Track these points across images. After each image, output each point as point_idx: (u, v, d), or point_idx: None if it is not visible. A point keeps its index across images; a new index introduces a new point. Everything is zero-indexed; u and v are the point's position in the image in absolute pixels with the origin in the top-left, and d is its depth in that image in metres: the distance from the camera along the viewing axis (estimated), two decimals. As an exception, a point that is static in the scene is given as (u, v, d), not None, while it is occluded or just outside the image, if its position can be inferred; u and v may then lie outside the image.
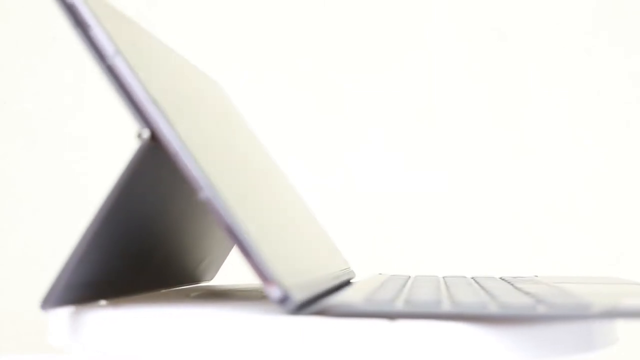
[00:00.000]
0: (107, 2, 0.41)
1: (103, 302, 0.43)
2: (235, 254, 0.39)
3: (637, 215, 0.77)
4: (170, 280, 0.51)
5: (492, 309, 0.35)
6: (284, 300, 0.35)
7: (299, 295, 0.36)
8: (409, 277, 0.58)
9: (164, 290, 0.51)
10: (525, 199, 0.79)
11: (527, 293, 0.43)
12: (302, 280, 0.38)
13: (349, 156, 0.70)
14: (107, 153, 0.64)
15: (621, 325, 0.43)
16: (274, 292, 0.35)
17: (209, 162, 0.37)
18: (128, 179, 0.37)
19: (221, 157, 0.41)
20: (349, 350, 0.34)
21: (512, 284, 0.50)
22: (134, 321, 0.36)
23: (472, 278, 0.57)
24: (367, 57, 0.80)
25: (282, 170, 0.61)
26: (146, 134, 0.36)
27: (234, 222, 0.35)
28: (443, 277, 0.58)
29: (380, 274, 0.63)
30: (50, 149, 0.66)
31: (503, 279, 0.56)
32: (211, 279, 0.60)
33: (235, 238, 0.35)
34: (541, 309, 0.35)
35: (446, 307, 0.35)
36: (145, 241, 0.44)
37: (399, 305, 0.35)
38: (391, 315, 0.35)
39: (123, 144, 0.52)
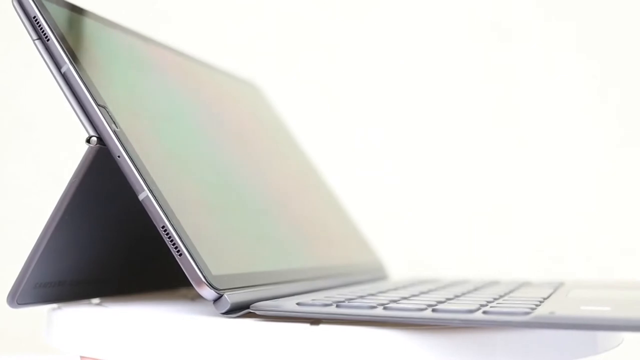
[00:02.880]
0: (81, 9, 0.42)
1: (96, 300, 0.45)
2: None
3: (637, 216, 0.74)
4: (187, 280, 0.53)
5: (426, 314, 0.34)
6: (216, 301, 0.36)
7: (234, 297, 0.36)
8: (436, 280, 0.57)
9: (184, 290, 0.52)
10: (523, 199, 0.76)
11: (507, 298, 0.41)
12: (246, 282, 0.38)
13: (347, 156, 0.70)
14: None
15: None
16: (207, 294, 0.36)
17: (156, 166, 0.38)
18: (80, 182, 0.38)
19: (178, 161, 0.41)
20: (265, 352, 0.33)
21: (514, 290, 0.48)
22: (108, 319, 0.38)
23: (494, 282, 0.55)
24: (365, 57, 0.79)
25: (309, 173, 0.61)
26: (94, 139, 0.38)
27: (167, 224, 0.36)
28: (470, 281, 0.56)
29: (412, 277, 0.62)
30: (51, 148, 0.69)
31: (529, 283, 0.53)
32: None
33: (169, 239, 0.36)
34: (477, 316, 0.33)
35: (378, 311, 0.34)
36: (130, 241, 0.45)
37: (331, 309, 0.35)
38: (316, 319, 0.35)
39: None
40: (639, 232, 0.73)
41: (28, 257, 0.39)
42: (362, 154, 0.74)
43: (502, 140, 0.75)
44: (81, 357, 0.38)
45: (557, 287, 0.51)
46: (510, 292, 0.46)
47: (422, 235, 0.73)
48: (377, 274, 0.60)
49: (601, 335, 0.40)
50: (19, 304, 0.40)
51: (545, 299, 0.41)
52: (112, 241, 0.43)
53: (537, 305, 0.36)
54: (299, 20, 0.78)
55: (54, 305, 0.42)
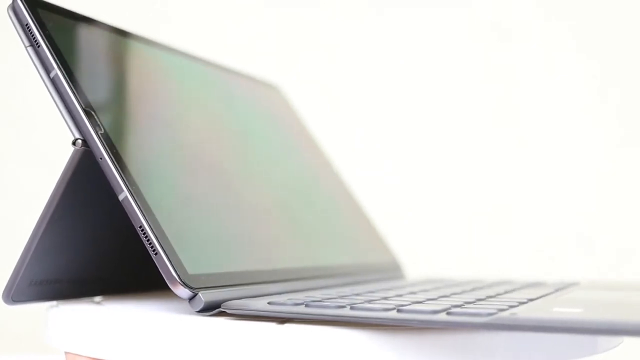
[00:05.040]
0: (76, 14, 0.43)
1: (98, 298, 0.46)
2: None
3: (637, 216, 0.72)
4: None
5: (389, 314, 0.34)
6: (191, 300, 0.37)
7: (210, 296, 0.37)
8: (444, 280, 0.57)
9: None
10: (523, 199, 0.75)
11: (496, 299, 0.41)
12: (226, 281, 0.39)
13: (347, 156, 0.70)
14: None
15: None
16: (181, 293, 0.36)
17: (139, 168, 0.39)
18: (67, 183, 0.39)
19: (165, 162, 0.42)
20: (231, 351, 0.34)
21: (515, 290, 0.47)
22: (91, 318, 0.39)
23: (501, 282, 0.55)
24: (365, 57, 0.79)
25: (325, 174, 0.61)
26: (79, 141, 0.39)
27: (144, 224, 0.37)
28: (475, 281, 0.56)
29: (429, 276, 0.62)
30: (49, 148, 0.71)
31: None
32: None
33: (145, 239, 0.37)
34: (439, 317, 0.33)
35: (344, 311, 0.35)
36: (128, 239, 0.46)
37: (299, 308, 0.35)
38: (283, 318, 0.35)
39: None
40: (639, 232, 0.72)
41: (21, 256, 0.40)
42: (362, 154, 0.75)
43: (502, 140, 0.74)
44: (65, 352, 0.39)
45: (561, 287, 0.50)
46: (506, 292, 0.46)
47: (422, 235, 0.73)
48: (390, 274, 0.59)
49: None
50: (14, 300, 0.41)
51: (531, 300, 0.41)
52: (107, 240, 0.44)
53: (511, 307, 0.36)
54: (298, 20, 0.78)
55: (53, 303, 0.43)
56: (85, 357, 0.37)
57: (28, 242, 0.40)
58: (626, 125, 0.72)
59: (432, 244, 0.75)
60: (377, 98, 0.79)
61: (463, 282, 0.54)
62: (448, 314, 0.33)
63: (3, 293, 0.41)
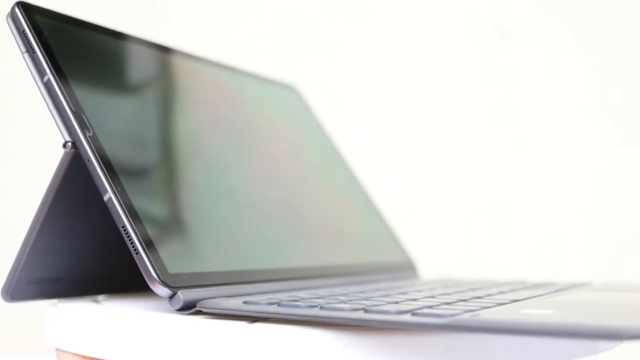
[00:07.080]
0: (74, 19, 0.45)
1: (101, 297, 0.48)
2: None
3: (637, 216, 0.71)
4: None
5: (356, 315, 0.34)
6: (171, 299, 0.38)
7: (189, 295, 0.38)
8: (448, 279, 0.57)
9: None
10: (522, 199, 0.74)
11: (486, 299, 0.41)
12: (211, 280, 0.40)
13: (346, 156, 0.70)
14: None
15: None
16: (160, 291, 0.38)
17: (127, 169, 0.40)
18: (59, 184, 0.41)
19: (155, 163, 0.43)
20: (203, 349, 0.35)
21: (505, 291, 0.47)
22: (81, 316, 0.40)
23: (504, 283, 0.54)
24: (365, 57, 0.78)
25: (336, 174, 0.62)
26: (69, 144, 0.40)
27: (126, 224, 0.38)
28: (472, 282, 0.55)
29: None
30: (50, 149, 0.72)
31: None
32: None
33: (127, 239, 0.38)
34: (402, 318, 0.33)
35: (314, 311, 0.35)
36: (120, 240, 0.47)
37: (271, 308, 0.36)
38: (255, 317, 0.36)
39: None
40: (639, 232, 0.70)
41: (17, 254, 0.42)
42: (362, 154, 0.75)
43: (502, 140, 0.74)
44: (56, 349, 0.40)
45: (563, 288, 0.50)
46: (500, 294, 0.45)
47: (421, 235, 0.73)
48: (402, 274, 0.59)
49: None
50: (12, 298, 0.43)
51: (515, 300, 0.41)
52: (106, 239, 0.45)
53: (484, 308, 0.36)
54: (299, 20, 0.79)
55: (54, 301, 0.45)
56: (72, 353, 0.39)
57: (24, 241, 0.42)
58: (626, 125, 0.72)
59: (432, 244, 0.75)
60: (378, 98, 0.79)
61: (468, 283, 0.54)
62: (413, 314, 0.34)
63: (2, 290, 0.42)
